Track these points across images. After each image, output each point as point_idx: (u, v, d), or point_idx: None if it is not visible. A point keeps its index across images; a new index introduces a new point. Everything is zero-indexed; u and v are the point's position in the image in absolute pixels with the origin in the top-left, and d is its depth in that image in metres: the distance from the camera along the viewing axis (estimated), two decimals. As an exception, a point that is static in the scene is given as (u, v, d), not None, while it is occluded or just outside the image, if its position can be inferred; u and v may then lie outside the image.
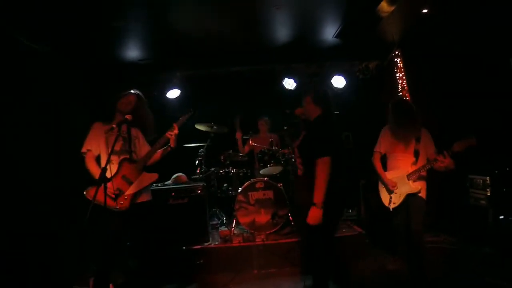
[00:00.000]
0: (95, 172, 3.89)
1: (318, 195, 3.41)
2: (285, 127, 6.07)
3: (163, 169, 6.11)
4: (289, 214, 5.75)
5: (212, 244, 5.35)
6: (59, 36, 5.10)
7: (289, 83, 6.91)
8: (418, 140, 4.20)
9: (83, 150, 4.02)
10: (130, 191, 4.00)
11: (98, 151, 4.05)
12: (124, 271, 4.38)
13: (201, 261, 5.13)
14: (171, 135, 4.24)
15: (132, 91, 4.32)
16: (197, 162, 6.33)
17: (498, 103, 5.21)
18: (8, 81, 4.56)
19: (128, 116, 3.94)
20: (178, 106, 7.07)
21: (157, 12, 4.78)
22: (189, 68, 7.03)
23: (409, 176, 4.17)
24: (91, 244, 4.06)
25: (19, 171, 4.55)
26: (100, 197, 3.51)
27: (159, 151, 4.34)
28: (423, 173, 4.16)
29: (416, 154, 4.19)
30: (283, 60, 6.95)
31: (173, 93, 6.93)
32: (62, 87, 5.68)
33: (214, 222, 6.14)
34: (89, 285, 4.25)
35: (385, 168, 4.52)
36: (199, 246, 5.26)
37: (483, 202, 5.00)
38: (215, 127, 6.35)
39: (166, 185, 5.70)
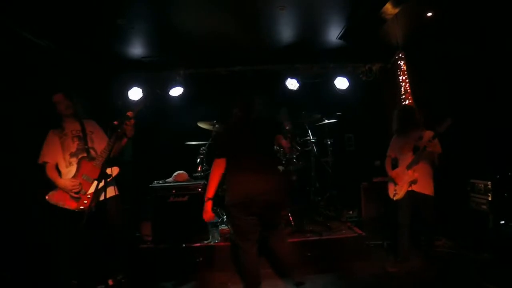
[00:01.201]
0: (54, 179, 3.99)
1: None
2: (286, 127, 6.05)
3: (164, 166, 6.18)
4: (289, 214, 5.76)
5: (212, 242, 5.35)
6: (63, 32, 5.12)
7: (292, 84, 6.90)
8: (420, 138, 4.71)
9: (40, 162, 4.06)
10: (92, 189, 3.97)
11: (56, 160, 4.10)
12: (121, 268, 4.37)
13: (201, 258, 5.15)
14: (128, 125, 4.04)
15: (57, 92, 4.24)
16: (198, 160, 6.35)
17: (501, 107, 5.21)
18: (10, 75, 4.59)
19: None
20: (181, 104, 7.09)
21: (161, 10, 4.79)
22: (192, 67, 7.04)
23: (408, 167, 4.72)
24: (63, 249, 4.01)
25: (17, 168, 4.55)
26: (62, 200, 3.70)
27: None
28: (424, 164, 4.68)
29: (415, 149, 4.72)
30: (286, 60, 6.94)
31: (176, 91, 6.93)
32: (64, 83, 5.69)
33: (214, 221, 6.14)
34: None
35: None
36: (198, 244, 5.27)
37: (484, 206, 5.00)
38: (217, 125, 6.36)
39: (167, 182, 5.70)
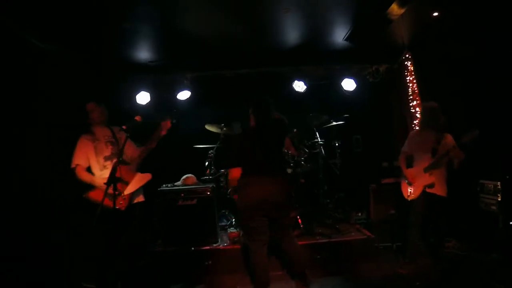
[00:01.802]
0: (90, 179, 4.21)
1: None
2: (294, 129, 6.06)
3: (172, 170, 6.20)
4: (298, 217, 5.75)
5: (221, 246, 5.36)
6: (69, 37, 5.16)
7: (299, 86, 6.90)
8: (439, 142, 4.68)
9: (73, 166, 4.27)
10: (128, 191, 4.28)
11: (88, 163, 4.33)
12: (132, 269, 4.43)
13: (209, 262, 5.16)
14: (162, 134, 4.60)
15: (89, 102, 4.53)
16: (206, 163, 6.36)
17: (510, 107, 5.17)
18: (16, 80, 4.63)
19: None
20: (188, 107, 7.12)
21: (167, 14, 4.81)
22: (199, 70, 7.06)
23: (426, 169, 4.68)
24: (91, 244, 4.25)
25: (26, 172, 4.62)
26: (100, 199, 3.73)
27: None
28: (439, 169, 4.64)
29: (434, 152, 4.67)
30: (293, 62, 6.94)
31: (184, 95, 6.95)
32: (71, 87, 5.74)
33: (223, 224, 6.17)
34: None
35: None
36: (207, 247, 5.29)
37: (493, 207, 4.96)
38: (225, 128, 6.38)
39: (176, 186, 5.73)
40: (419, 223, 4.67)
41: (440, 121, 4.79)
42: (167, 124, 4.59)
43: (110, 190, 3.82)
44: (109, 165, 4.27)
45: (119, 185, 4.05)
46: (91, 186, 4.20)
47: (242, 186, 4.03)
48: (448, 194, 4.63)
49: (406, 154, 5.01)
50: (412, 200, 4.79)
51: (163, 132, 4.58)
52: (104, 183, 3.78)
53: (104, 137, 4.45)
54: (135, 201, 4.38)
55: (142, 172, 4.51)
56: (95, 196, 4.12)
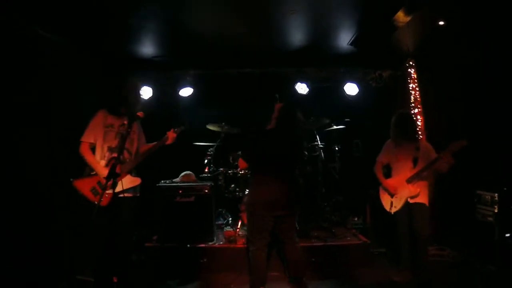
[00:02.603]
0: (92, 162, 4.01)
1: None
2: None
3: (171, 166, 6.20)
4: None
5: (217, 244, 5.37)
6: (77, 30, 5.18)
7: (302, 88, 6.91)
8: (417, 149, 4.60)
9: (83, 139, 4.07)
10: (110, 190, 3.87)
11: (94, 144, 4.10)
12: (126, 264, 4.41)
13: (205, 259, 5.18)
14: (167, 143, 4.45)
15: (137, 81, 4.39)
16: (206, 161, 6.37)
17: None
18: (21, 70, 4.63)
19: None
20: (190, 104, 7.13)
21: (172, 11, 4.83)
22: (202, 67, 7.06)
23: (408, 180, 4.55)
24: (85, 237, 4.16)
25: (26, 162, 4.60)
26: (84, 190, 3.77)
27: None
28: (424, 179, 4.54)
29: (415, 161, 4.57)
30: (296, 64, 6.96)
31: (186, 91, 6.96)
32: (74, 80, 5.75)
33: (220, 222, 6.18)
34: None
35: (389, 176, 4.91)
36: (203, 245, 5.30)
37: (490, 218, 4.96)
38: (225, 127, 6.39)
39: (174, 182, 5.73)
40: (407, 231, 4.62)
41: (415, 128, 4.86)
42: (172, 134, 4.47)
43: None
44: (108, 157, 4.08)
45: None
46: (80, 173, 4.02)
47: (255, 184, 4.21)
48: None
49: (382, 164, 4.96)
50: (396, 212, 4.69)
51: (169, 142, 4.46)
52: (104, 178, 3.71)
53: (119, 126, 4.14)
54: (122, 195, 4.05)
55: (139, 169, 4.41)
56: (79, 185, 3.94)
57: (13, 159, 4.43)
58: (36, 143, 4.71)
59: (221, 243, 5.42)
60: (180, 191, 5.45)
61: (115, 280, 4.16)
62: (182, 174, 5.93)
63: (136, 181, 4.22)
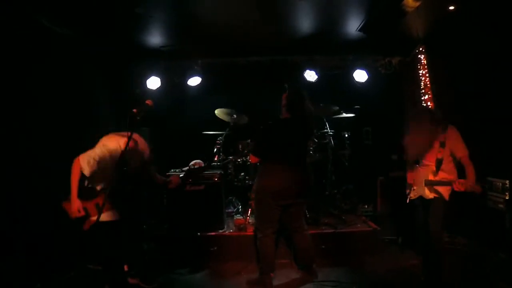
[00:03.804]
0: (73, 185, 3.70)
1: None
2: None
3: (181, 155, 6.24)
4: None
5: (227, 232, 5.41)
6: (83, 21, 5.16)
7: (310, 75, 6.86)
8: (443, 145, 4.13)
9: (79, 157, 3.74)
10: (95, 218, 3.52)
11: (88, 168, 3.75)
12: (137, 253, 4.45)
13: (215, 248, 5.21)
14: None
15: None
16: (215, 149, 6.39)
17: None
18: (28, 62, 4.61)
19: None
20: (198, 94, 7.14)
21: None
22: (210, 56, 7.04)
23: (425, 183, 4.18)
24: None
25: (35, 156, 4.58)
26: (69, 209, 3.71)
27: None
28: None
29: (438, 163, 4.14)
30: (305, 51, 6.89)
31: (194, 81, 6.96)
32: (83, 71, 5.77)
33: (230, 210, 6.22)
34: None
35: None
36: (213, 233, 5.33)
37: (501, 205, 4.92)
38: (234, 115, 6.39)
39: (184, 171, 5.75)
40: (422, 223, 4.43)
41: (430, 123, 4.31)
42: (176, 180, 4.53)
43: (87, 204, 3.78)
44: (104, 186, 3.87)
45: (92, 209, 3.82)
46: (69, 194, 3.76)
47: (265, 172, 4.25)
48: (451, 190, 4.46)
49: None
50: (411, 202, 4.48)
51: (171, 186, 4.51)
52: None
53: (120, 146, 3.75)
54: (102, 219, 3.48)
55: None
56: (67, 208, 3.79)
57: (20, 153, 4.42)
58: (43, 138, 4.70)
59: (231, 231, 5.45)
60: (190, 180, 5.45)
61: (126, 268, 4.23)
62: (192, 162, 5.95)
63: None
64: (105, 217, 3.66)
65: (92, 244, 4.19)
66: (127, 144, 3.33)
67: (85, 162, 3.68)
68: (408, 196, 4.46)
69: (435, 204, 4.16)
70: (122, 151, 3.50)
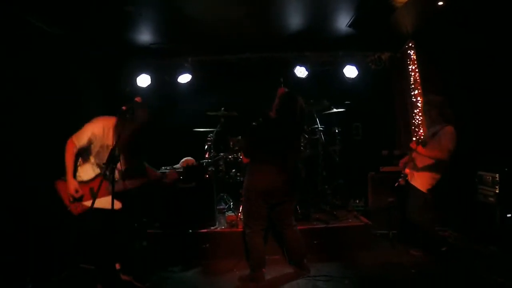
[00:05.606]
0: (69, 167, 3.67)
1: None
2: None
3: (172, 152, 6.21)
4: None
5: (218, 229, 5.38)
6: (71, 19, 5.11)
7: (301, 72, 6.87)
8: (433, 135, 4.64)
9: (71, 138, 3.70)
10: (87, 204, 3.70)
11: (82, 150, 3.76)
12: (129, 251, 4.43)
13: (207, 245, 5.19)
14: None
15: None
16: (206, 146, 6.37)
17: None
18: (17, 62, 4.55)
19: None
20: (189, 91, 7.12)
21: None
22: (201, 54, 7.03)
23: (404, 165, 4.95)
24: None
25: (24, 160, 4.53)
26: (62, 192, 3.70)
27: None
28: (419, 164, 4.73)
29: (424, 144, 4.57)
30: (295, 48, 6.89)
31: (184, 78, 6.94)
32: (72, 70, 5.72)
33: (221, 207, 6.20)
34: None
35: None
36: (205, 230, 5.30)
37: (491, 199, 4.97)
38: (225, 112, 6.38)
39: (175, 168, 5.73)
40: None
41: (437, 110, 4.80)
42: (173, 175, 4.61)
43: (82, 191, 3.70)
44: (97, 171, 3.83)
45: (85, 193, 3.75)
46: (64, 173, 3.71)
47: (254, 170, 4.26)
48: (443, 185, 4.71)
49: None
50: (398, 187, 4.99)
51: (168, 181, 4.53)
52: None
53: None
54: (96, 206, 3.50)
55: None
56: (60, 187, 3.76)
57: (11, 154, 4.37)
58: (35, 138, 4.66)
59: (223, 227, 5.43)
60: (181, 177, 5.43)
61: (117, 267, 4.20)
62: (183, 160, 5.93)
63: (116, 204, 3.54)
64: (99, 203, 3.51)
65: (82, 232, 4.03)
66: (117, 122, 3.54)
67: (77, 137, 3.68)
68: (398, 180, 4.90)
69: (412, 193, 4.76)
70: (113, 126, 3.68)
